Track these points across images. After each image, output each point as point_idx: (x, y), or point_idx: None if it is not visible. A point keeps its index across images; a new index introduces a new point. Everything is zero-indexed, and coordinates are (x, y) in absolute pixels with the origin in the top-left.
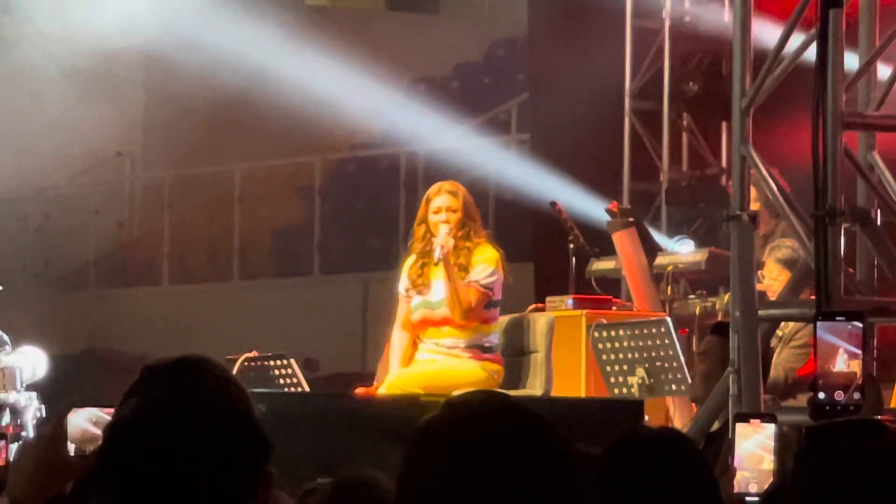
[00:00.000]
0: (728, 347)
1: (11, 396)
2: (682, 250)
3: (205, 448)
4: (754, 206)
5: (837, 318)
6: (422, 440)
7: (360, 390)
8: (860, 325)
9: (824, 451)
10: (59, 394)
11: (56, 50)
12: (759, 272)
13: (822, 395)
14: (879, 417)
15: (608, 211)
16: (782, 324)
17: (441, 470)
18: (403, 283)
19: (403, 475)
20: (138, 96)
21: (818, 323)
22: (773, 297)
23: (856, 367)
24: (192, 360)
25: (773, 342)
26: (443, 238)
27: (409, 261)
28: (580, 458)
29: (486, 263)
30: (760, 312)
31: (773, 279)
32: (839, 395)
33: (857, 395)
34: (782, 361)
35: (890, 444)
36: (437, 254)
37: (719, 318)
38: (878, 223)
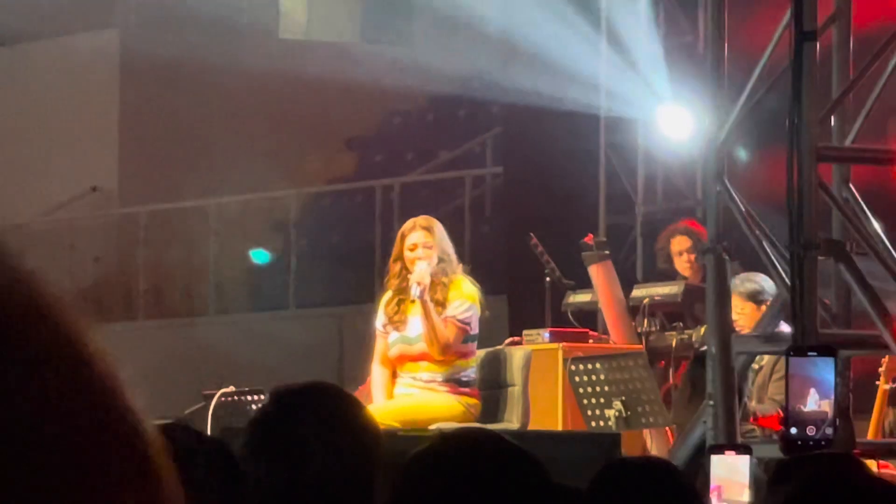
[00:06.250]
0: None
1: None
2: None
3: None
4: None
5: (810, 353)
6: (411, 471)
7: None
8: (832, 359)
9: (794, 483)
10: None
11: (31, 86)
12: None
13: (793, 430)
14: (851, 451)
15: (584, 244)
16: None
17: (429, 501)
18: (380, 319)
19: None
20: (113, 132)
21: (790, 358)
22: (737, 329)
23: (827, 402)
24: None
25: (750, 375)
26: (419, 275)
27: (386, 297)
28: (559, 491)
29: (462, 298)
30: (736, 346)
31: (738, 313)
32: (811, 430)
33: (829, 430)
34: (772, 395)
35: (860, 478)
36: (413, 291)
37: (696, 349)
38: (853, 255)
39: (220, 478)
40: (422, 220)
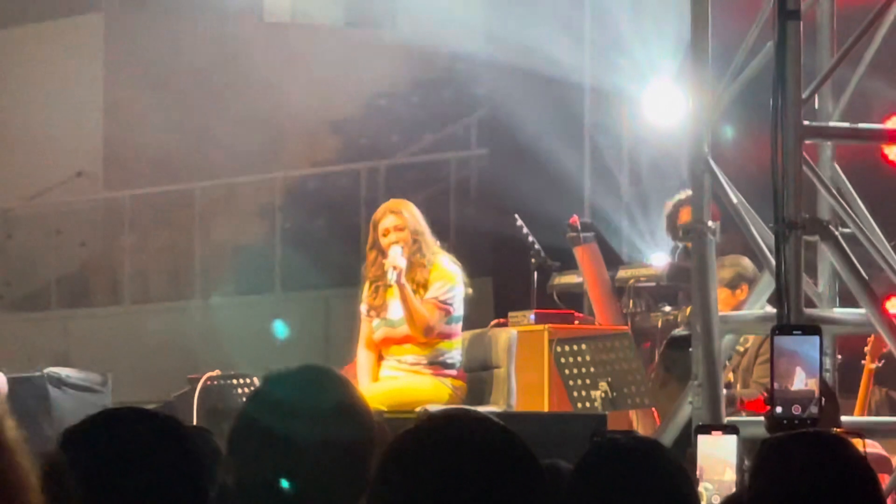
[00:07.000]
0: (680, 360)
1: None
2: (656, 263)
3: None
4: None
5: (794, 332)
6: (397, 453)
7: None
8: (817, 337)
9: (779, 462)
10: (19, 415)
11: (16, 70)
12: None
13: (779, 409)
14: (836, 430)
15: (569, 225)
16: (742, 338)
17: (411, 483)
18: (364, 304)
19: (374, 487)
20: (98, 116)
21: (775, 337)
22: None
23: (813, 381)
24: None
25: (735, 358)
26: (393, 259)
27: (367, 284)
28: (547, 471)
29: (443, 280)
30: (721, 325)
31: None
32: (797, 409)
33: (814, 409)
34: (758, 378)
35: (844, 456)
36: (390, 275)
37: (680, 330)
38: (839, 234)
39: (201, 463)
40: (391, 203)
